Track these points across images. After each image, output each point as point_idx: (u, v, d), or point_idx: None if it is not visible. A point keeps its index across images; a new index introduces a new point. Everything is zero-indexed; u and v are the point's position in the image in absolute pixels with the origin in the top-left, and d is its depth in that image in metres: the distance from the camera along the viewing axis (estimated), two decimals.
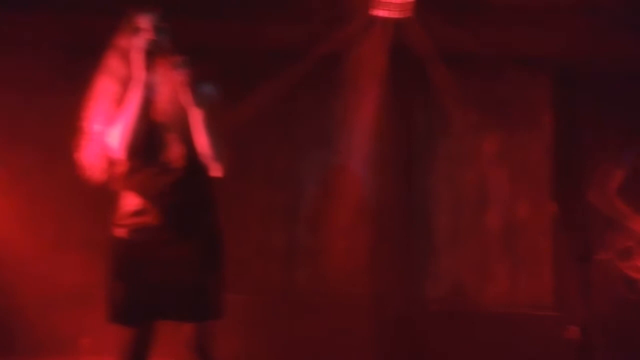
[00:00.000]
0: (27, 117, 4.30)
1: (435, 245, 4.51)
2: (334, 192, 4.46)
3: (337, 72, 4.32)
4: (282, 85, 4.18)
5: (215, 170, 2.29)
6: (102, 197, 4.19)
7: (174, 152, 2.25)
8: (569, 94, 4.54)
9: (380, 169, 4.40)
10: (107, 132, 2.24)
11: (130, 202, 2.29)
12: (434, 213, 4.52)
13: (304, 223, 4.47)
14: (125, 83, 2.24)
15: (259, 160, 4.45)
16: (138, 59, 2.20)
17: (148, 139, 2.24)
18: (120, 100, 2.24)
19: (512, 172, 4.60)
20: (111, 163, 2.29)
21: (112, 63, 2.29)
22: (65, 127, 4.16)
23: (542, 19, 4.00)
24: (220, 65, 3.77)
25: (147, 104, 2.24)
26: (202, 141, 2.24)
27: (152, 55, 2.21)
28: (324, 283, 4.38)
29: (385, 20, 4.00)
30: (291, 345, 4.06)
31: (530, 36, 4.14)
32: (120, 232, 2.30)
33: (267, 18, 3.82)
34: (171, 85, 2.26)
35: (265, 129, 4.39)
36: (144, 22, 2.27)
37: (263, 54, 4.12)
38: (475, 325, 4.17)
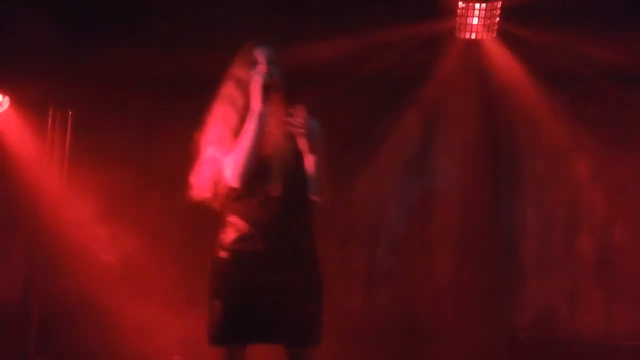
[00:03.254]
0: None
1: (523, 270, 4.37)
2: (417, 215, 4.43)
3: (422, 95, 4.32)
4: (366, 108, 4.21)
5: (319, 204, 2.40)
6: (192, 219, 4.50)
7: (281, 182, 2.35)
8: None
9: (466, 192, 4.33)
10: (221, 160, 2.38)
11: (236, 227, 2.38)
12: (522, 237, 4.39)
13: (386, 246, 4.46)
14: (240, 112, 2.36)
15: (341, 183, 4.48)
16: (255, 92, 2.31)
17: (257, 168, 2.35)
18: (235, 129, 2.36)
19: (606, 194, 4.41)
20: (221, 188, 2.39)
21: (229, 92, 2.41)
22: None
23: (637, 34, 3.83)
24: (302, 89, 3.92)
25: (261, 135, 2.35)
26: (310, 178, 2.36)
27: (267, 88, 2.31)
28: (404, 307, 4.34)
29: (470, 41, 3.97)
30: None
31: (623, 51, 3.98)
32: (223, 255, 2.39)
33: (350, 42, 3.88)
34: (282, 118, 2.35)
35: (347, 151, 4.42)
36: (261, 55, 2.38)
37: (348, 79, 4.17)
38: (566, 355, 3.99)
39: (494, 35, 3.92)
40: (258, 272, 2.33)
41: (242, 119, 2.34)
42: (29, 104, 4.39)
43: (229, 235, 2.38)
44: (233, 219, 2.39)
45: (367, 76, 4.12)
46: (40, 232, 4.42)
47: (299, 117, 2.27)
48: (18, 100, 4.36)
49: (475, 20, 3.82)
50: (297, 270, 2.36)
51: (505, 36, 3.93)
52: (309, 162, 2.33)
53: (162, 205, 4.61)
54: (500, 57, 4.07)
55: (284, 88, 2.37)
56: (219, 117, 2.40)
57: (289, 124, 2.28)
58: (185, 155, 4.57)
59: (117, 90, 4.53)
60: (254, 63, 2.37)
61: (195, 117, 4.57)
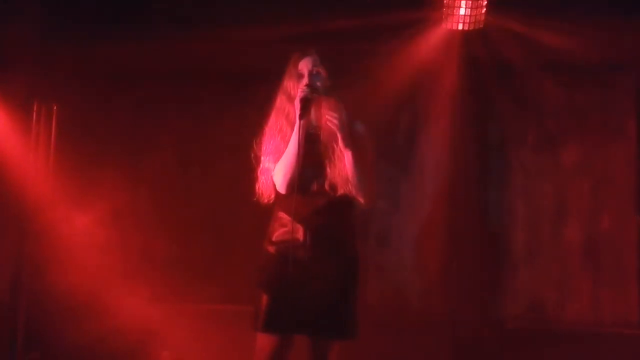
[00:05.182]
0: None
1: (512, 260, 4.39)
2: (405, 207, 4.44)
3: (409, 86, 4.31)
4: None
5: (361, 202, 2.52)
6: (183, 218, 4.48)
7: (325, 180, 2.50)
8: None
9: (453, 183, 4.34)
10: (272, 167, 2.54)
11: (281, 221, 2.54)
12: (510, 227, 4.41)
13: (374, 238, 4.46)
14: (291, 123, 2.52)
15: None
16: (297, 105, 2.46)
17: (304, 170, 2.49)
18: (287, 139, 2.52)
19: (593, 184, 4.43)
20: (274, 190, 2.57)
21: (280, 104, 2.58)
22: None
23: (622, 22, 3.84)
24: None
25: (308, 141, 2.50)
26: (350, 176, 2.48)
27: (310, 99, 2.45)
28: (394, 299, 4.35)
29: (456, 32, 3.97)
30: None
31: (611, 41, 3.99)
32: (269, 248, 2.54)
33: (339, 35, 3.87)
34: (327, 123, 2.50)
35: None
36: (303, 67, 2.54)
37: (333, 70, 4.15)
38: (555, 344, 4.01)
39: (481, 26, 3.91)
40: (301, 264, 2.46)
41: (293, 130, 2.50)
42: (14, 99, 4.34)
43: (275, 229, 2.54)
44: (280, 214, 2.55)
45: (353, 68, 4.10)
46: (27, 230, 4.38)
47: (333, 113, 2.43)
48: (2, 95, 4.31)
49: (462, 11, 3.81)
50: (337, 264, 2.49)
51: (492, 26, 3.92)
52: (347, 159, 2.46)
53: (149, 201, 4.59)
54: (487, 48, 4.07)
55: (333, 94, 2.51)
56: (273, 128, 2.56)
57: (327, 120, 2.44)
58: (171, 150, 4.62)
59: (102, 85, 4.50)
60: (298, 76, 2.52)
61: (180, 112, 4.64)
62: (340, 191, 2.48)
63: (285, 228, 2.51)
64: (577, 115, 4.42)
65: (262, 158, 2.56)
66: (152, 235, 4.46)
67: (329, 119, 2.44)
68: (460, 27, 3.90)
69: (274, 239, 2.54)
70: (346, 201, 2.51)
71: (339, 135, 2.44)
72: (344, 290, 2.49)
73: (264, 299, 2.48)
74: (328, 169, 2.48)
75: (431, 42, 4.02)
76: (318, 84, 2.50)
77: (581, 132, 4.44)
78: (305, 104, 2.44)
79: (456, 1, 3.78)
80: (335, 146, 2.49)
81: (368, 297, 4.39)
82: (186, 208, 4.58)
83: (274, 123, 2.57)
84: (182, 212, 4.56)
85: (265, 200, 2.56)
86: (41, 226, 4.35)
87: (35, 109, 4.44)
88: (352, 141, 2.46)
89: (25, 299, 4.39)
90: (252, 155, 2.58)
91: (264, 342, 2.47)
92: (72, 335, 4.25)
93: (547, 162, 4.47)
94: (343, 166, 2.48)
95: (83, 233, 4.42)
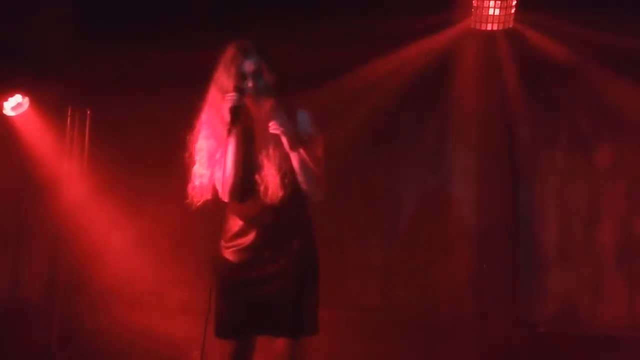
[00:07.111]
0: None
1: (543, 263, 4.33)
2: (435, 209, 4.41)
3: (438, 87, 4.29)
4: (382, 103, 4.21)
5: (312, 199, 2.48)
6: (210, 218, 4.50)
7: (273, 180, 2.42)
8: None
9: (484, 184, 4.30)
10: (207, 174, 2.46)
11: (233, 225, 2.51)
12: (542, 229, 4.34)
13: (403, 240, 4.45)
14: (226, 120, 2.39)
15: (358, 178, 4.48)
16: (226, 115, 2.36)
17: (250, 168, 2.44)
18: (221, 137, 2.41)
19: (627, 185, 4.34)
20: (215, 195, 2.49)
21: (213, 100, 2.48)
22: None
23: None
24: (319, 86, 3.93)
25: (249, 142, 2.44)
26: (298, 176, 2.42)
27: (239, 106, 2.35)
28: (423, 302, 4.33)
29: (486, 33, 3.94)
30: None
31: None
32: (223, 252, 2.51)
33: (366, 38, 3.87)
34: (269, 123, 2.42)
35: (364, 146, 4.42)
36: (247, 68, 2.42)
37: (364, 73, 4.16)
38: (588, 348, 3.95)
39: (510, 26, 3.88)
40: (255, 265, 2.44)
41: (227, 128, 2.39)
42: (48, 104, 4.45)
43: (228, 232, 2.51)
44: (231, 216, 2.52)
45: (383, 70, 4.11)
46: (62, 231, 4.48)
47: (272, 119, 2.36)
48: (37, 101, 4.42)
49: (491, 11, 3.78)
50: (291, 262, 2.44)
51: (522, 27, 3.88)
52: (293, 158, 2.39)
53: (181, 204, 4.63)
54: (517, 48, 4.03)
55: (277, 92, 2.42)
56: (207, 128, 2.46)
57: (271, 127, 2.37)
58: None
59: (135, 89, 4.56)
60: (242, 75, 2.40)
61: None
62: (278, 193, 2.39)
63: (235, 230, 2.48)
64: (610, 114, 4.34)
65: (196, 158, 2.49)
66: (184, 234, 4.51)
67: (272, 126, 2.36)
68: (489, 27, 3.87)
69: (226, 242, 2.50)
70: (295, 198, 2.44)
71: (285, 140, 2.37)
72: (298, 288, 2.44)
73: (220, 303, 2.46)
74: (263, 172, 2.41)
75: (460, 43, 4.00)
76: (261, 85, 2.41)
77: (614, 132, 4.35)
78: (236, 112, 2.34)
79: (485, 2, 3.75)
80: (272, 147, 2.42)
81: (397, 300, 4.39)
82: (219, 210, 4.60)
83: (208, 122, 2.47)
84: (216, 214, 4.58)
85: (197, 204, 2.48)
86: (76, 227, 4.44)
87: (69, 113, 4.55)
88: (296, 145, 2.39)
89: (60, 299, 4.49)
90: (187, 154, 2.49)
91: (224, 346, 2.47)
92: (106, 334, 4.33)
93: (579, 162, 4.39)
94: (277, 166, 2.40)
95: (116, 233, 4.49)
